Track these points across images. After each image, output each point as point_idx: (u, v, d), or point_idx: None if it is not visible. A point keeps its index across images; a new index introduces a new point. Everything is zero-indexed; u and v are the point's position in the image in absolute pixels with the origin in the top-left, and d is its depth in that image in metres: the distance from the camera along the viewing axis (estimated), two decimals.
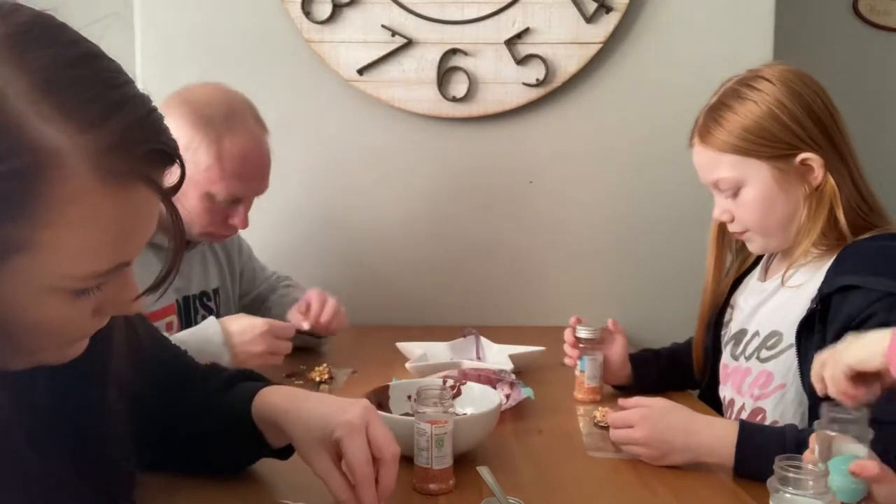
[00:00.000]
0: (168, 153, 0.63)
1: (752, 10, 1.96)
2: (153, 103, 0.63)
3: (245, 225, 1.52)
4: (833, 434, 0.86)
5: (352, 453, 0.83)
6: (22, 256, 0.58)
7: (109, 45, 0.63)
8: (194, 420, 0.96)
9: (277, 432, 0.93)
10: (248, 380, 1.02)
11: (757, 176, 1.21)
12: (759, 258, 1.37)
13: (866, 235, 1.17)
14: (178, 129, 1.41)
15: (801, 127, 1.19)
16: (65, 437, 0.73)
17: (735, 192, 1.23)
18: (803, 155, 1.18)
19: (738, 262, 1.40)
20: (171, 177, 0.65)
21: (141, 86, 0.63)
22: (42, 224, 0.57)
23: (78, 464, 0.74)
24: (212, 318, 1.40)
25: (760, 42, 1.95)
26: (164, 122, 0.64)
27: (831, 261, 1.17)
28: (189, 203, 1.44)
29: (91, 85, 0.59)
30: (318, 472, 0.86)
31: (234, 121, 1.45)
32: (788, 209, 1.21)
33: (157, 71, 1.99)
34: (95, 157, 0.57)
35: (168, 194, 0.64)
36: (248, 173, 1.47)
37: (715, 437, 1.04)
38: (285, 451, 0.98)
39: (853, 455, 0.84)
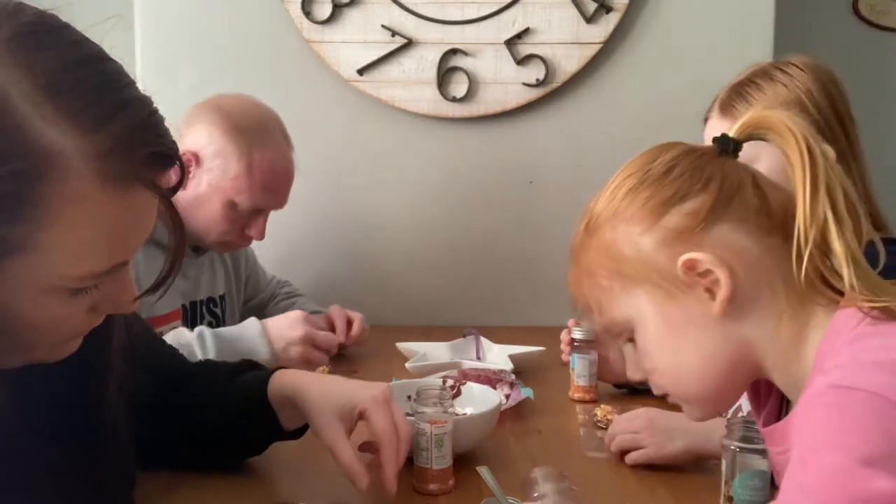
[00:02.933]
0: (168, 155, 0.63)
1: (752, 10, 1.96)
2: (154, 105, 0.63)
3: (262, 236, 1.54)
4: (737, 449, 0.86)
5: (382, 421, 0.88)
6: (20, 256, 0.58)
7: (110, 46, 0.63)
8: (208, 405, 0.97)
9: (292, 412, 0.94)
10: (254, 369, 1.03)
11: (770, 154, 1.21)
12: None
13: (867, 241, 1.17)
14: (211, 135, 1.45)
15: (824, 119, 1.18)
16: (64, 434, 0.73)
17: None
18: None
19: None
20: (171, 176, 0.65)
21: (141, 87, 0.63)
22: (41, 225, 0.57)
23: (78, 462, 0.74)
24: (253, 326, 1.38)
25: (760, 42, 1.94)
26: (165, 123, 0.64)
27: None
28: (211, 209, 1.47)
29: (93, 87, 0.59)
30: (329, 439, 0.88)
31: (265, 134, 1.49)
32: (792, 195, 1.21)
33: (157, 72, 1.99)
34: (96, 160, 0.58)
35: (167, 196, 0.64)
36: (274, 186, 1.51)
37: (717, 423, 1.05)
38: (297, 433, 0.99)
39: (758, 470, 0.85)
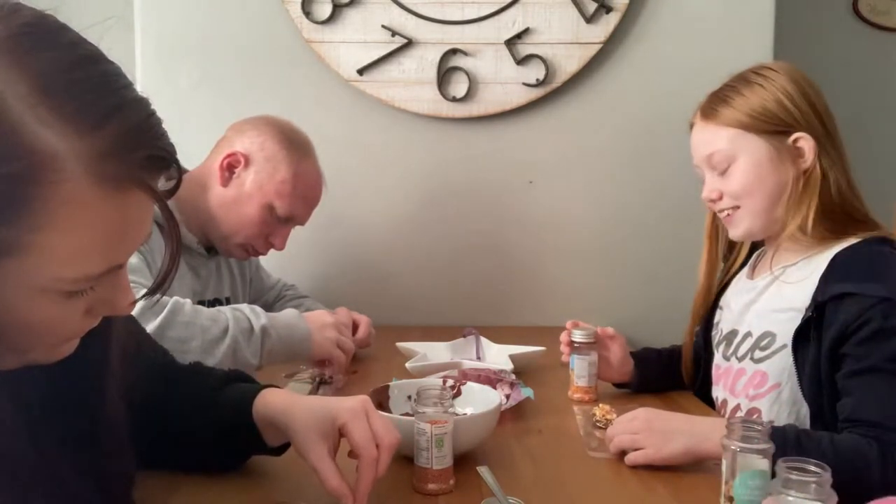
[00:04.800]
0: (165, 158, 0.62)
1: (752, 10, 1.97)
2: (152, 107, 0.62)
3: (283, 247, 1.63)
4: (737, 449, 0.87)
5: (357, 434, 0.87)
6: (14, 258, 0.58)
7: (109, 47, 0.62)
8: (192, 415, 0.97)
9: (275, 432, 0.94)
10: (241, 380, 1.03)
11: (750, 149, 1.24)
12: (746, 260, 1.39)
13: (855, 241, 1.18)
14: (266, 140, 1.56)
15: (801, 113, 1.23)
16: (64, 436, 0.73)
17: (725, 170, 1.26)
18: (797, 134, 1.22)
19: (728, 264, 1.41)
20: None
21: (140, 88, 0.62)
22: (36, 227, 0.57)
23: (77, 462, 0.74)
24: (291, 310, 1.46)
25: (760, 42, 1.95)
26: (163, 125, 0.63)
27: (821, 261, 1.19)
28: (248, 209, 1.55)
29: (90, 89, 0.58)
30: (313, 459, 0.88)
31: (310, 153, 1.63)
32: (776, 186, 1.23)
33: (156, 73, 1.99)
34: (92, 162, 0.57)
35: (164, 199, 0.63)
36: (310, 199, 1.62)
37: (716, 424, 1.05)
38: (280, 449, 0.99)
39: (758, 470, 0.85)
